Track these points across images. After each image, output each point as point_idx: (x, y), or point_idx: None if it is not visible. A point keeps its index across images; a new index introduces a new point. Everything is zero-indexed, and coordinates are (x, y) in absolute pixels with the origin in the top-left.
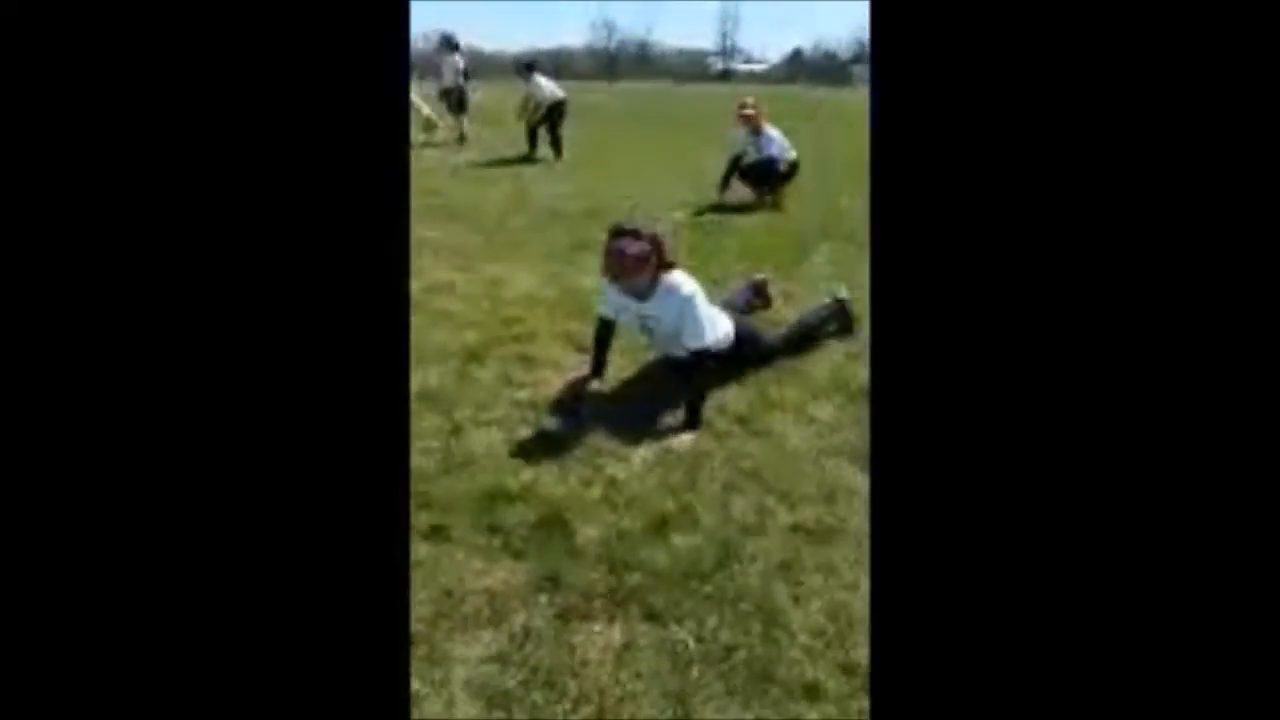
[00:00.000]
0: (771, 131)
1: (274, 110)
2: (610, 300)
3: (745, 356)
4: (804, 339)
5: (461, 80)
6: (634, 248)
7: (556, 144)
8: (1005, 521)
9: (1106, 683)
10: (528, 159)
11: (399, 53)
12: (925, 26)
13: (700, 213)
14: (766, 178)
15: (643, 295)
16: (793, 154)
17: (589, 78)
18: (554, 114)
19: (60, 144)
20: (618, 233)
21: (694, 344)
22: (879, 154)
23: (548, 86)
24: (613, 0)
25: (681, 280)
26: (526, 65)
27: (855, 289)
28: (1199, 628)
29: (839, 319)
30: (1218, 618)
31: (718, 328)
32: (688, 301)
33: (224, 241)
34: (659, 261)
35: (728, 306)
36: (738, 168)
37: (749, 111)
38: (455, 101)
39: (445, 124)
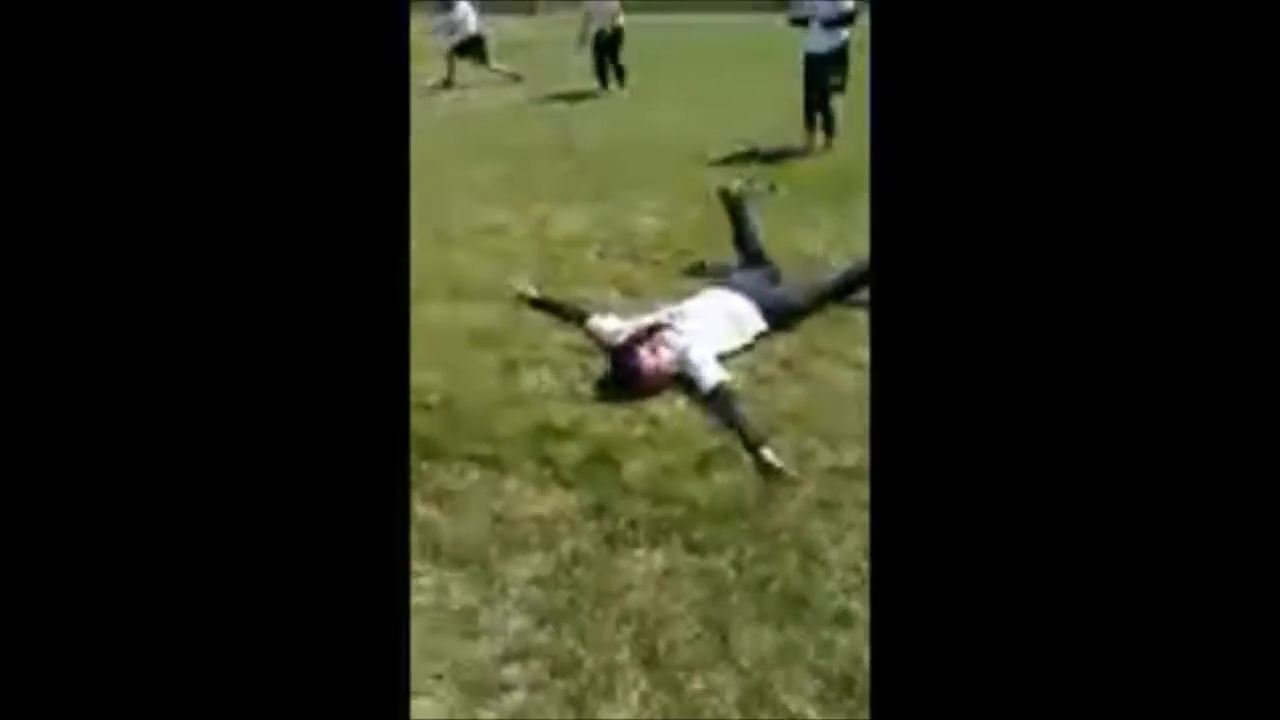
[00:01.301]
0: None
1: (273, 97)
2: None
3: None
4: (829, 298)
5: (477, 27)
6: (644, 379)
7: (619, 73)
8: (1007, 508)
9: (1105, 673)
10: (593, 94)
11: (399, 44)
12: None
13: (750, 154)
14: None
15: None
16: (850, 3)
17: (634, 10)
18: (615, 41)
19: (60, 142)
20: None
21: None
22: (879, 148)
23: (610, 7)
24: None
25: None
26: None
27: None
28: (1198, 622)
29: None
30: (1216, 612)
31: (729, 343)
32: (682, 360)
33: (223, 228)
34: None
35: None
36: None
37: None
38: (478, 52)
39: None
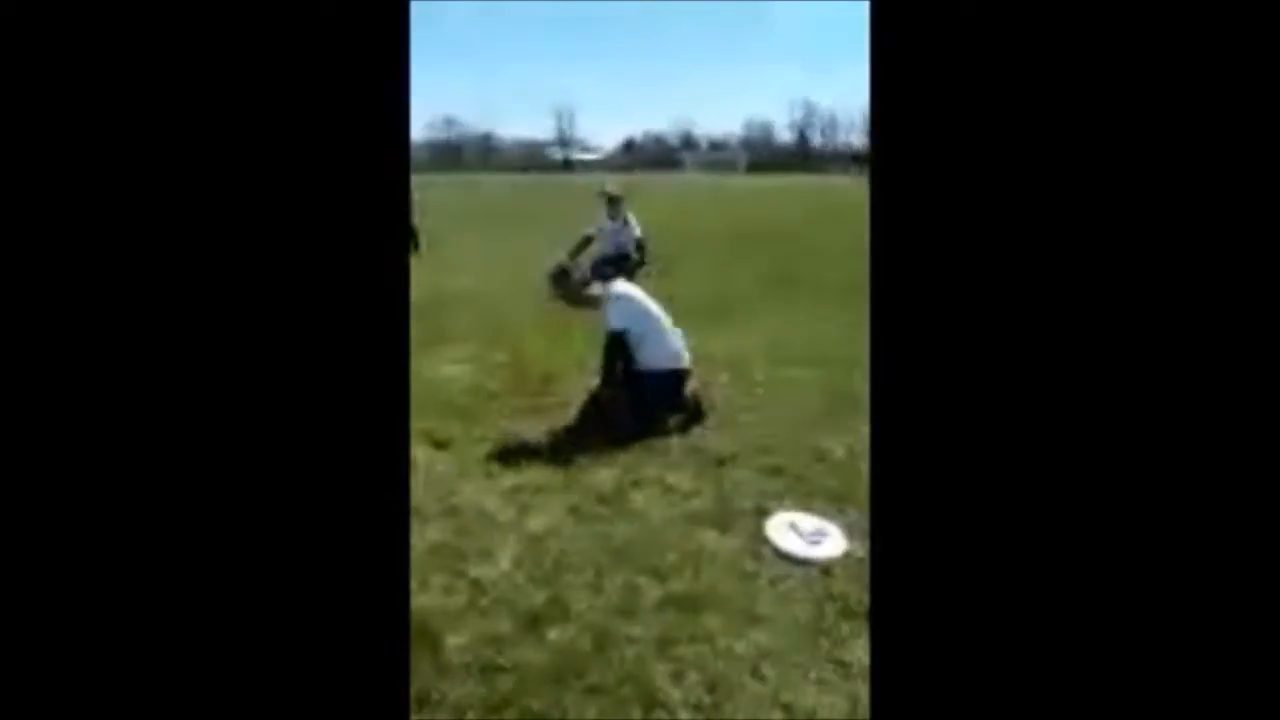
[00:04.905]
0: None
1: (276, 117)
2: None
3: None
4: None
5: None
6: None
7: (412, 235)
8: (1003, 544)
9: (1105, 690)
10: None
11: (399, 66)
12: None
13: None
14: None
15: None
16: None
17: (428, 170)
18: None
19: (61, 151)
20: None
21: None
22: (880, 156)
23: None
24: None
25: (624, 289)
26: None
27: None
28: (1199, 630)
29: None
30: (1215, 613)
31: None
32: (629, 303)
33: (217, 251)
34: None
35: None
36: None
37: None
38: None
39: None
